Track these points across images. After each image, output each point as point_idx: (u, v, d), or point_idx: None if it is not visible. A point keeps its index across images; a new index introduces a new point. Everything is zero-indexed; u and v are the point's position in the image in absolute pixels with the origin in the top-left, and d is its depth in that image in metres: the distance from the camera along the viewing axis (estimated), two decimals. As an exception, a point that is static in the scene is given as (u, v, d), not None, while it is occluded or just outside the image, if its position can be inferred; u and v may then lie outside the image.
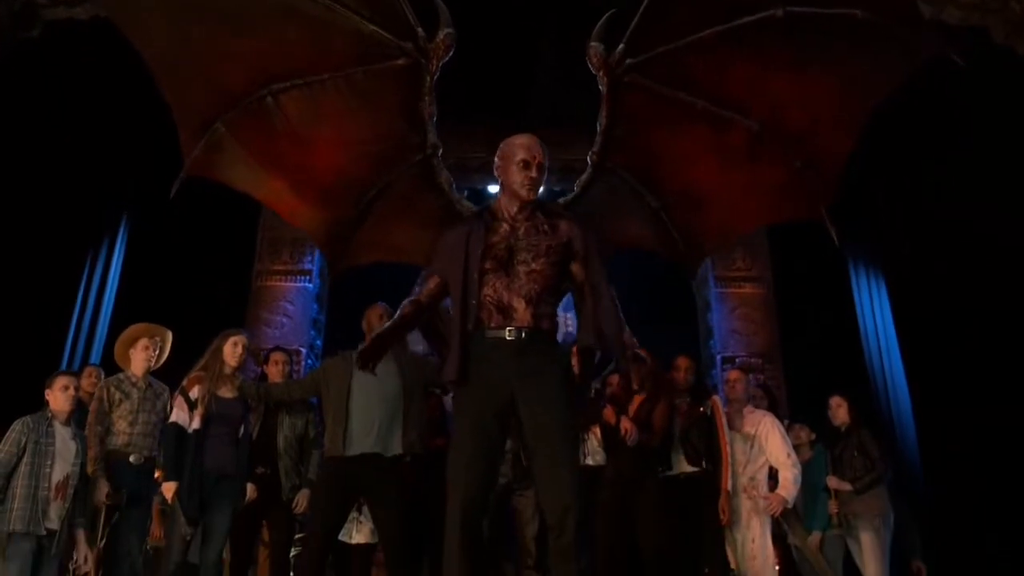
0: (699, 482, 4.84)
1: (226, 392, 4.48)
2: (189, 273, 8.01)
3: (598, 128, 3.45)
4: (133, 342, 4.78)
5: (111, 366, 4.96)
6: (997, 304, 7.25)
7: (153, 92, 3.50)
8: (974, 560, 6.97)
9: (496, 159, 3.13)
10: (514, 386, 2.89)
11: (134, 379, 4.71)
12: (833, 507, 5.17)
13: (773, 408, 5.48)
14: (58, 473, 4.24)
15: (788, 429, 5.33)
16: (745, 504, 4.88)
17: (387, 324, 3.18)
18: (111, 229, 8.58)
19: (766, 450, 4.95)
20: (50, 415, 4.34)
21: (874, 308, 8.73)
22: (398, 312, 3.17)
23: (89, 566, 4.37)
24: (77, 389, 4.46)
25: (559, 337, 3.13)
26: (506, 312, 2.94)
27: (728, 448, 4.85)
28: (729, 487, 4.79)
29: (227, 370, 4.52)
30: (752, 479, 4.92)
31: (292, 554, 4.85)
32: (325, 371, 4.53)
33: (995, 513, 7.09)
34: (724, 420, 4.93)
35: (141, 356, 4.74)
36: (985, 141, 7.25)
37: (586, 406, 4.85)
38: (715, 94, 3.42)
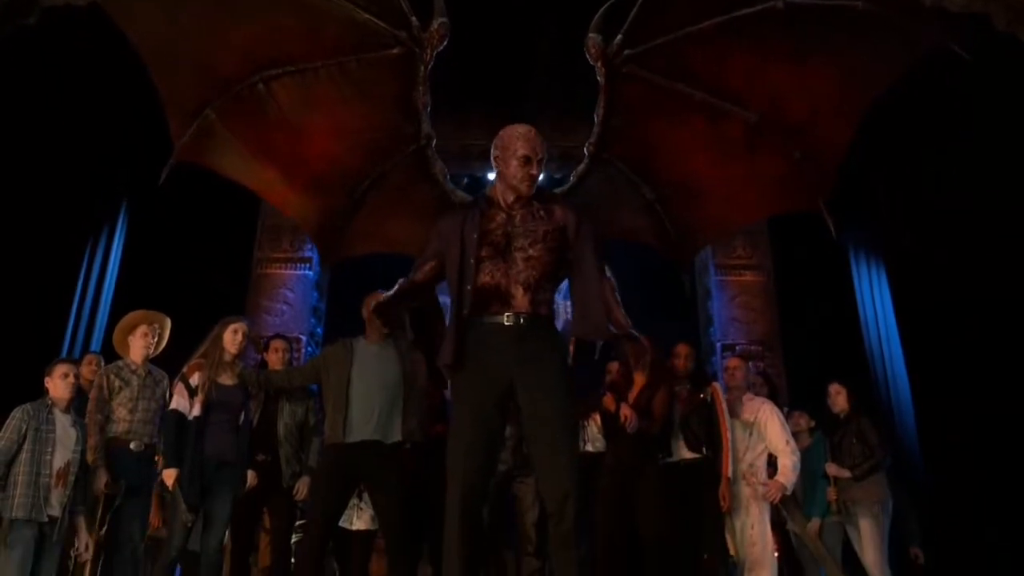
0: (699, 469, 4.85)
1: (226, 379, 4.48)
2: (189, 261, 8.01)
3: (595, 119, 3.43)
4: (132, 329, 4.78)
5: (111, 354, 4.96)
6: (998, 294, 7.24)
7: (151, 79, 3.48)
8: (973, 549, 7.00)
9: (495, 148, 3.11)
10: (513, 372, 2.89)
11: (133, 366, 4.71)
12: (832, 494, 5.19)
13: (773, 396, 5.49)
14: (59, 460, 4.26)
15: (787, 416, 5.35)
16: (744, 491, 4.89)
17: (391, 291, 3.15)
18: (111, 217, 8.58)
19: (765, 437, 4.97)
20: (50, 403, 4.35)
21: (874, 296, 8.73)
22: (397, 283, 3.14)
23: (90, 554, 4.39)
24: (77, 377, 4.47)
25: (558, 325, 3.13)
26: (504, 299, 2.94)
27: (728, 434, 4.87)
28: (730, 473, 4.80)
29: (227, 357, 4.52)
30: (751, 466, 4.94)
31: (293, 541, 4.87)
32: (325, 359, 4.53)
33: (995, 504, 7.10)
34: (724, 406, 4.94)
35: (140, 343, 4.74)
36: (987, 129, 7.23)
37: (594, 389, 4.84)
38: (714, 85, 3.40)
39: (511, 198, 3.07)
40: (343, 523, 4.85)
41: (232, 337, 4.55)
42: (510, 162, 3.03)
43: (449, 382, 3.09)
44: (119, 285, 8.39)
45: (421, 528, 4.64)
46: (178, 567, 4.60)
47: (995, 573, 6.87)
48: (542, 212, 3.06)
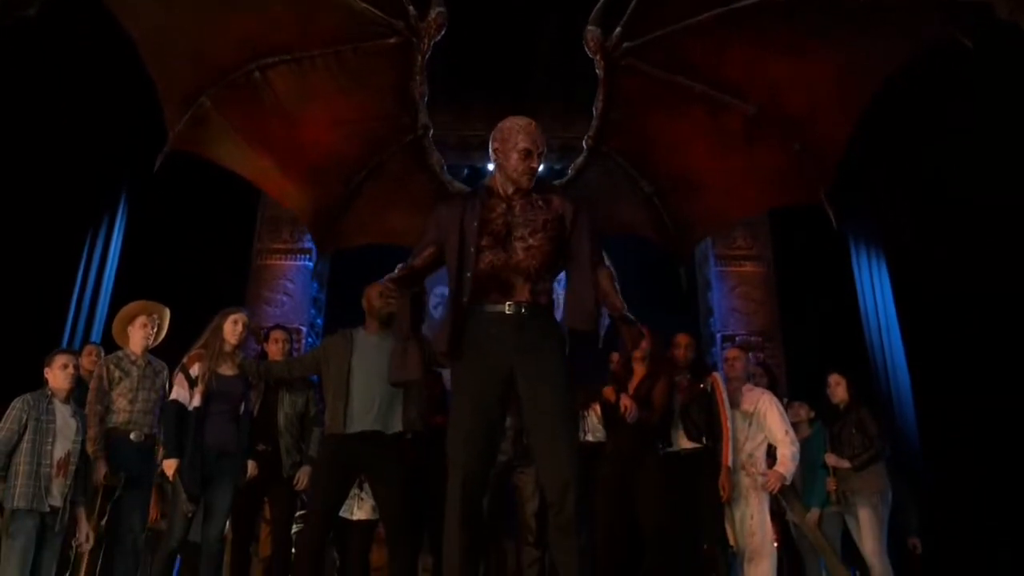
0: (699, 458, 4.86)
1: (226, 370, 4.48)
2: (189, 252, 8.01)
3: (594, 112, 3.43)
4: (131, 320, 4.77)
5: (111, 345, 4.96)
6: (998, 286, 7.23)
7: (145, 65, 3.45)
8: (971, 539, 7.03)
9: (494, 141, 3.11)
10: (514, 361, 2.89)
11: (133, 357, 4.71)
12: (831, 484, 5.19)
13: (772, 387, 5.49)
14: (59, 450, 4.28)
15: (787, 407, 5.35)
16: (744, 481, 4.90)
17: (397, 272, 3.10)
18: (110, 207, 8.58)
19: (764, 427, 4.97)
20: (49, 393, 4.36)
21: (875, 288, 8.73)
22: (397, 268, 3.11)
23: (90, 544, 4.41)
24: (76, 367, 4.48)
25: (557, 316, 3.13)
26: (504, 287, 2.95)
27: (729, 423, 4.87)
28: (730, 463, 4.81)
29: (227, 348, 4.52)
30: (751, 456, 4.94)
31: (293, 531, 4.88)
32: (325, 349, 4.53)
33: (993, 494, 7.11)
34: (725, 396, 4.94)
35: (139, 334, 4.74)
36: (988, 119, 7.20)
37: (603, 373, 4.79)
38: (713, 78, 3.39)
39: (511, 190, 3.07)
40: (344, 513, 4.86)
41: (232, 328, 4.55)
42: (510, 155, 3.03)
43: (449, 371, 3.08)
44: (119, 276, 8.39)
45: (422, 518, 4.65)
46: (178, 558, 4.61)
47: (993, 562, 6.89)
48: (541, 202, 3.06)
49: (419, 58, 3.27)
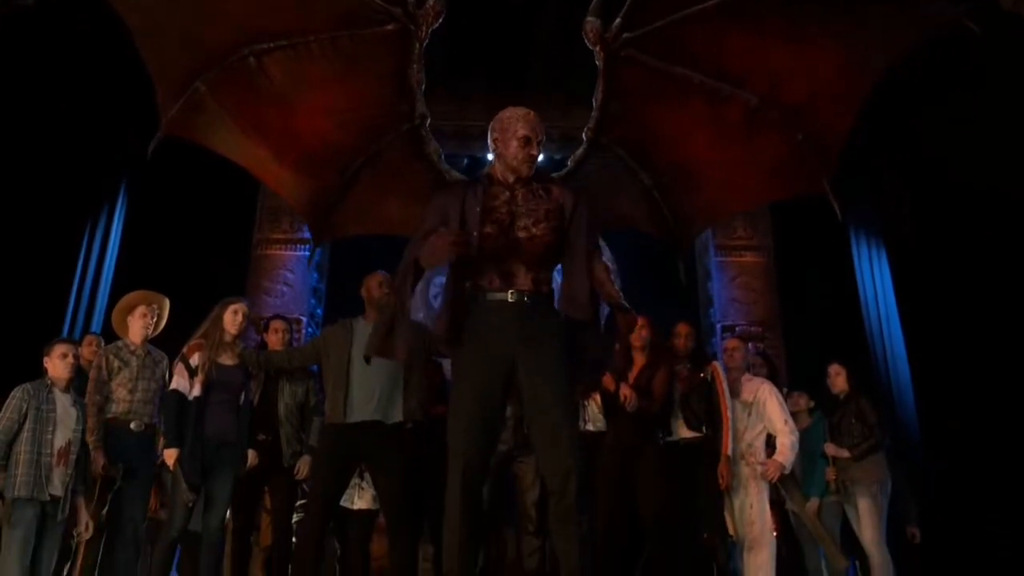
0: (699, 447, 4.86)
1: (227, 360, 4.48)
2: (189, 242, 8.01)
3: (594, 103, 3.41)
4: (130, 310, 4.77)
5: (111, 335, 4.96)
6: (998, 276, 7.23)
7: (137, 49, 3.41)
8: (969, 528, 7.04)
9: (493, 131, 3.10)
10: (515, 350, 2.89)
11: (132, 347, 4.71)
12: (831, 474, 5.20)
13: (772, 377, 5.49)
14: (59, 440, 4.28)
15: (787, 397, 5.35)
16: (744, 470, 4.90)
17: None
18: (110, 197, 8.57)
19: (764, 417, 4.98)
20: (49, 382, 4.36)
21: (875, 278, 8.73)
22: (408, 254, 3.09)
23: (89, 533, 4.42)
24: (76, 357, 4.47)
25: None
26: (506, 276, 2.95)
27: (729, 412, 4.88)
28: (729, 452, 4.81)
29: (227, 338, 4.51)
30: (750, 446, 4.95)
31: (294, 520, 4.89)
32: (325, 339, 4.53)
33: (992, 483, 7.13)
34: (725, 385, 4.95)
35: (139, 324, 4.74)
36: (990, 110, 7.19)
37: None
38: (713, 68, 3.36)
39: (512, 178, 3.07)
40: (344, 503, 4.88)
41: (232, 318, 4.54)
42: (510, 143, 3.02)
43: (449, 360, 3.08)
44: (119, 266, 8.39)
45: (422, 507, 4.66)
46: (179, 547, 4.62)
47: (992, 552, 6.91)
48: (541, 191, 3.07)
49: (416, 46, 3.24)
